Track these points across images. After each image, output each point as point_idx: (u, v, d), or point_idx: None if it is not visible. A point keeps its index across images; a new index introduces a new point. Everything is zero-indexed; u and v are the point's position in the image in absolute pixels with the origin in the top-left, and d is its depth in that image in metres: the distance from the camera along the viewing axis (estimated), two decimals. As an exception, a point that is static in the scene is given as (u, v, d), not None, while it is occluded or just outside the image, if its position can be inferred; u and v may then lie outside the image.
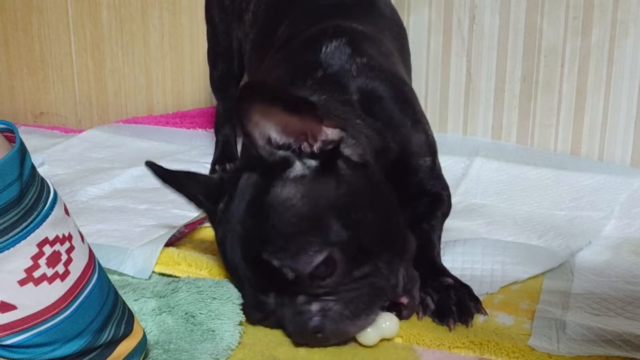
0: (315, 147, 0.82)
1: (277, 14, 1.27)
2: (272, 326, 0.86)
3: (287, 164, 0.82)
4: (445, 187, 1.10)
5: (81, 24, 2.06)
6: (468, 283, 0.92)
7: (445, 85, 1.65)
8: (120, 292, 0.72)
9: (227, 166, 1.51)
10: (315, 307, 0.80)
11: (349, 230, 0.81)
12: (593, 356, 0.77)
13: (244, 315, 0.86)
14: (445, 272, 0.93)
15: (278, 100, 0.77)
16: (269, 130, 0.80)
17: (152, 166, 0.95)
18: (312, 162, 0.83)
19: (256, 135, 0.80)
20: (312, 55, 1.04)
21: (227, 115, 1.60)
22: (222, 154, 1.56)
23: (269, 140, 0.81)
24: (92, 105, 2.12)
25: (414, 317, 0.88)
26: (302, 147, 0.82)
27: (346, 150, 0.87)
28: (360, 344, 0.83)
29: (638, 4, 1.46)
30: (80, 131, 1.89)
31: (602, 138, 1.54)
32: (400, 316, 0.85)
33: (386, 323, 0.83)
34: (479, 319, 0.87)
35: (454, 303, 0.86)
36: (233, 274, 0.88)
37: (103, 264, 0.70)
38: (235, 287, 0.89)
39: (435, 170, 1.08)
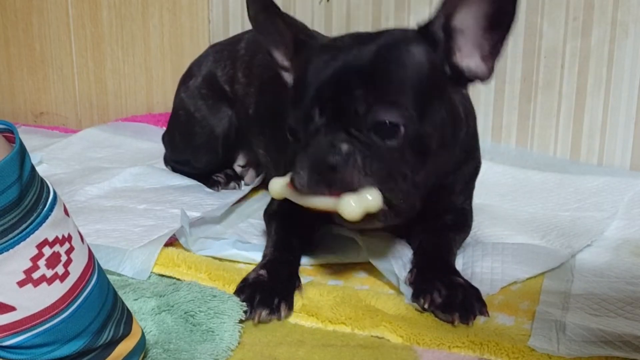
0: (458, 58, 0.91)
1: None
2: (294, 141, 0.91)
3: (434, 40, 0.91)
4: (472, 218, 1.11)
5: (81, 24, 2.06)
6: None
7: (445, 85, 1.65)
8: (120, 292, 0.72)
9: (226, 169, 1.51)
10: (345, 147, 0.83)
11: (431, 125, 0.87)
12: (593, 357, 0.77)
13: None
14: (457, 274, 0.94)
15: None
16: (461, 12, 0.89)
17: None
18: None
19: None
20: None
21: None
22: None
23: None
24: (92, 105, 2.12)
25: (414, 317, 0.88)
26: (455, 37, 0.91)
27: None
28: (343, 219, 0.82)
29: (638, 4, 1.46)
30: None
31: (602, 139, 1.54)
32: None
33: (369, 196, 0.82)
34: (479, 319, 0.87)
35: (459, 301, 0.87)
36: (303, 84, 0.90)
37: (102, 265, 0.70)
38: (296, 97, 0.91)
39: (471, 198, 1.11)
